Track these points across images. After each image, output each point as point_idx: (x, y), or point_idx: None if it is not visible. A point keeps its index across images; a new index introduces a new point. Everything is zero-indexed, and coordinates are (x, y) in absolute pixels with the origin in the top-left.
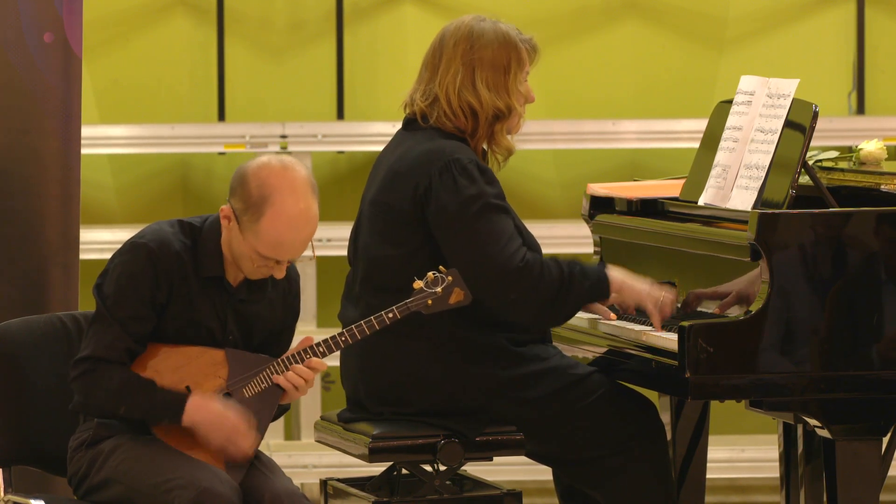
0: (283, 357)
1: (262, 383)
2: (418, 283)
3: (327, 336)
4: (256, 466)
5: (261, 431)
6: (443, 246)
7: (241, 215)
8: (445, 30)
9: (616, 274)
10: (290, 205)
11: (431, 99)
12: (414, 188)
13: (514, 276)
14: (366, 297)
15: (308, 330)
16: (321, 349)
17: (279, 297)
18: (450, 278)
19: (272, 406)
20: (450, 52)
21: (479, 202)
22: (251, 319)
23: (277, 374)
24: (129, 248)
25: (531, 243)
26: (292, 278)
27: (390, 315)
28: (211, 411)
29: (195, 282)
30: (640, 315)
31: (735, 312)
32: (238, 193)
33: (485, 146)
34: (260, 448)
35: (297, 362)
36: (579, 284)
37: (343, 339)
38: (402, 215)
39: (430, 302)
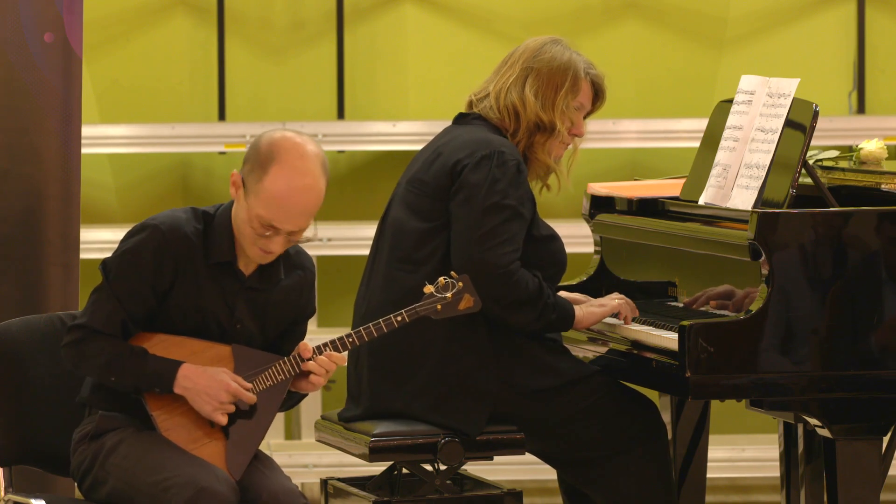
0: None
1: (268, 380)
2: (429, 288)
3: (328, 336)
4: (255, 465)
5: (264, 428)
6: (452, 224)
7: (247, 176)
8: (526, 41)
9: (579, 312)
10: (296, 166)
11: (484, 94)
12: (453, 164)
13: (491, 276)
14: (388, 269)
15: (309, 329)
16: (328, 350)
17: (295, 285)
18: (460, 284)
19: (276, 403)
20: (515, 58)
21: (497, 197)
22: (265, 307)
23: (283, 371)
24: (140, 228)
25: (556, 250)
26: (307, 268)
27: (398, 318)
28: (199, 380)
29: (204, 267)
30: (639, 314)
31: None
32: (250, 157)
33: (524, 153)
34: (260, 447)
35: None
36: (547, 315)
37: (350, 340)
38: (435, 191)
39: (439, 307)
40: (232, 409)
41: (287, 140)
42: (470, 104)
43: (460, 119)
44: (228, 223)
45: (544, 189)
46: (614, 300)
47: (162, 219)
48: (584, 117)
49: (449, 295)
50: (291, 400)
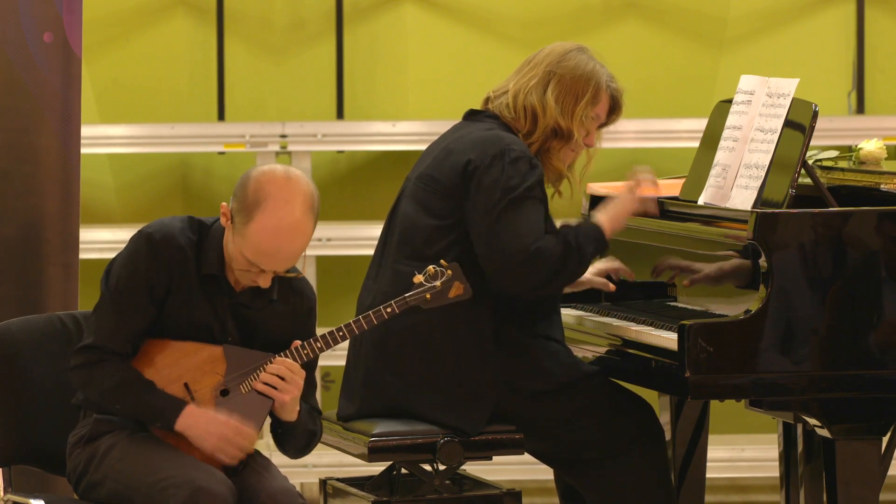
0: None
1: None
2: (418, 278)
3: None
4: (252, 465)
5: (257, 427)
6: (470, 225)
7: (235, 216)
8: (548, 45)
9: (603, 221)
10: (281, 215)
11: (503, 92)
12: (465, 164)
13: (520, 263)
14: (396, 264)
15: None
16: (318, 345)
17: (288, 310)
18: (449, 272)
19: (269, 401)
20: (538, 60)
21: (515, 192)
22: (253, 325)
23: None
24: (135, 238)
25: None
26: (306, 295)
27: (388, 310)
28: (203, 426)
29: (196, 279)
30: (638, 314)
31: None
32: (237, 194)
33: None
34: (258, 448)
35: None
36: (586, 252)
37: (341, 334)
38: (446, 189)
39: (428, 296)
40: (238, 453)
41: (273, 183)
42: (487, 101)
43: (471, 116)
44: (220, 237)
45: (556, 195)
46: (630, 196)
47: (156, 227)
48: (598, 128)
49: (438, 283)
50: (296, 438)
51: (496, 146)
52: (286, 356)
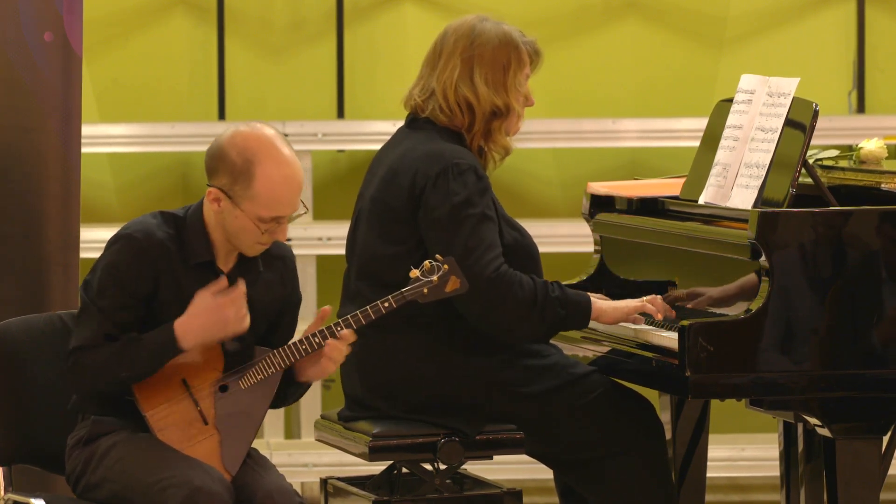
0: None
1: (258, 374)
2: (414, 273)
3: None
4: (249, 464)
5: (257, 422)
6: (428, 248)
7: (230, 188)
8: (448, 27)
9: (598, 303)
10: (277, 159)
11: (429, 94)
12: (411, 187)
13: (483, 287)
14: (363, 293)
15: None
16: (316, 339)
17: (276, 277)
18: (446, 267)
19: (268, 396)
20: (450, 48)
21: (465, 210)
22: (250, 303)
23: (273, 364)
24: (114, 240)
25: (528, 245)
26: (287, 257)
27: (386, 304)
28: (195, 321)
29: (183, 270)
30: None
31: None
32: (220, 170)
33: (482, 143)
34: (258, 447)
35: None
36: (553, 310)
37: (339, 328)
38: (399, 213)
39: (425, 291)
40: (243, 317)
41: (249, 139)
42: (415, 107)
43: (412, 123)
44: (202, 225)
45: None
46: (642, 300)
47: (134, 227)
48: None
49: (435, 278)
50: (298, 392)
51: (440, 164)
52: (284, 353)
